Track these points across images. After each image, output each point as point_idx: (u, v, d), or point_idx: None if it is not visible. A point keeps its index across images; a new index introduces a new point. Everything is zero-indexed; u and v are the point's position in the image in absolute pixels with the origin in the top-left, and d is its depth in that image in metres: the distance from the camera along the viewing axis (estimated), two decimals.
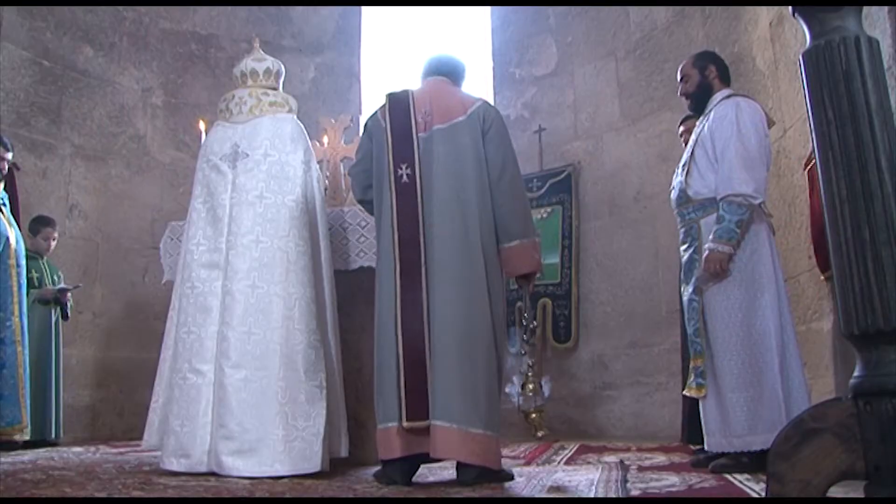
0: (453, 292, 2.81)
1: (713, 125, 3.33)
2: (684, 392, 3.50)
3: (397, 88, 3.15)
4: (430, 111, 3.01)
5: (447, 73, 3.20)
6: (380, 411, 2.86)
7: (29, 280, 5.19)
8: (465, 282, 2.82)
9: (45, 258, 5.56)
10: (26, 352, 4.75)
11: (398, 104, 3.06)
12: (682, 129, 4.34)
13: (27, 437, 4.83)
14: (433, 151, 2.96)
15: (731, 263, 3.19)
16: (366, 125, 3.20)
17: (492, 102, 7.29)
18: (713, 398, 3.21)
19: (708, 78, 3.48)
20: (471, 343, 2.78)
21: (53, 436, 5.16)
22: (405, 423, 2.73)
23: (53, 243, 5.64)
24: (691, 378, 3.34)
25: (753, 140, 3.20)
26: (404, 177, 2.93)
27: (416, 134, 2.98)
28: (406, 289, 2.83)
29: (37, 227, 5.54)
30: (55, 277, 5.56)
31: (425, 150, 2.96)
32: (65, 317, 5.60)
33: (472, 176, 2.93)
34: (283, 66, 3.60)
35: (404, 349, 2.78)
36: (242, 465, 2.89)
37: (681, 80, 3.59)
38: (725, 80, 3.51)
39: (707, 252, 3.19)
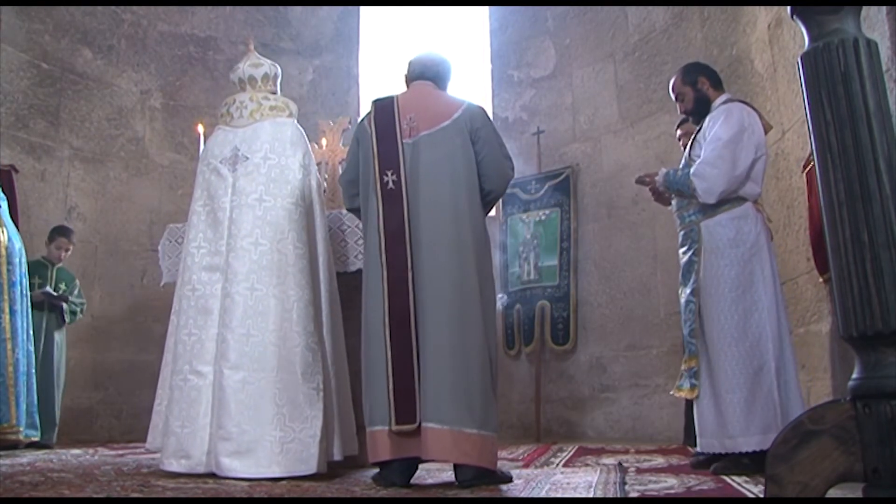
0: (442, 296, 2.81)
1: (707, 129, 3.39)
2: (672, 392, 3.51)
3: (384, 94, 3.16)
4: (415, 117, 3.02)
5: (432, 77, 3.19)
6: (367, 414, 2.88)
7: (31, 286, 5.24)
8: (453, 285, 2.83)
9: (54, 266, 5.63)
10: (19, 350, 4.73)
11: (383, 111, 3.08)
12: (679, 132, 4.36)
13: (35, 438, 4.83)
14: (419, 158, 2.96)
15: (730, 268, 3.22)
16: (355, 133, 3.22)
17: (490, 105, 7.33)
18: (709, 399, 3.23)
19: (702, 90, 3.52)
20: (462, 345, 2.78)
21: (40, 438, 5.13)
22: (394, 427, 2.74)
23: (66, 254, 5.73)
24: (683, 379, 3.36)
25: (734, 146, 3.24)
26: (390, 183, 2.94)
27: (401, 140, 2.99)
28: (394, 293, 2.84)
29: (53, 235, 5.69)
30: (60, 285, 5.59)
31: (411, 157, 2.97)
32: (60, 322, 5.62)
33: (460, 180, 2.95)
34: (279, 69, 3.59)
35: (393, 353, 2.79)
36: (239, 466, 2.90)
37: (676, 99, 3.62)
38: (719, 87, 3.55)
39: (658, 176, 3.47)
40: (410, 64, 3.25)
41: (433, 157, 2.96)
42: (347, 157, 3.28)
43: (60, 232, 5.73)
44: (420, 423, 2.72)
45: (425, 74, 3.19)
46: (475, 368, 2.78)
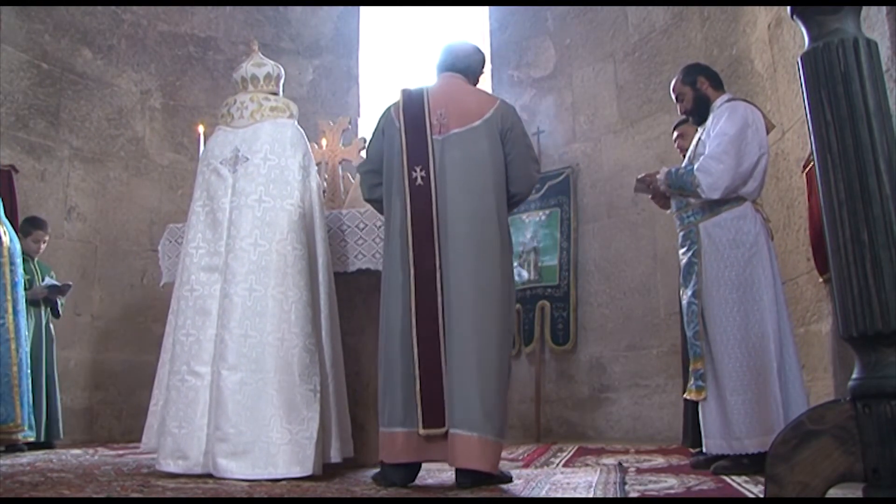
0: (467, 298, 2.77)
1: (711, 128, 3.38)
2: (685, 395, 3.53)
3: (404, 87, 3.10)
4: (445, 113, 2.96)
5: (462, 69, 3.13)
6: (385, 414, 2.83)
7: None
8: (478, 288, 2.79)
9: (35, 260, 5.54)
10: (22, 350, 4.73)
11: (413, 103, 3.01)
12: (675, 134, 4.36)
13: (31, 438, 4.83)
14: (449, 155, 2.91)
15: (730, 269, 3.22)
16: (379, 122, 3.14)
17: None
18: (714, 401, 3.23)
19: (701, 90, 3.52)
20: (487, 349, 2.75)
21: (45, 437, 5.14)
22: (421, 431, 2.71)
23: (44, 246, 5.60)
24: (691, 381, 3.37)
25: (740, 142, 3.23)
26: (419, 179, 2.89)
27: (431, 136, 2.94)
28: (421, 293, 2.80)
29: (28, 228, 5.50)
30: (46, 278, 5.53)
31: (441, 154, 2.92)
32: (56, 315, 5.58)
33: (488, 182, 2.90)
34: (282, 70, 3.59)
35: (420, 355, 2.76)
36: (236, 467, 2.89)
37: (676, 99, 3.63)
38: (719, 87, 3.54)
39: (660, 174, 3.45)
40: (443, 52, 3.18)
41: (462, 156, 2.91)
42: (369, 146, 3.21)
43: (36, 224, 5.56)
44: (448, 429, 2.69)
45: (456, 66, 3.13)
46: (496, 373, 2.75)
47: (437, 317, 2.77)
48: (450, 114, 2.96)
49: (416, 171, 2.90)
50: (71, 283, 5.68)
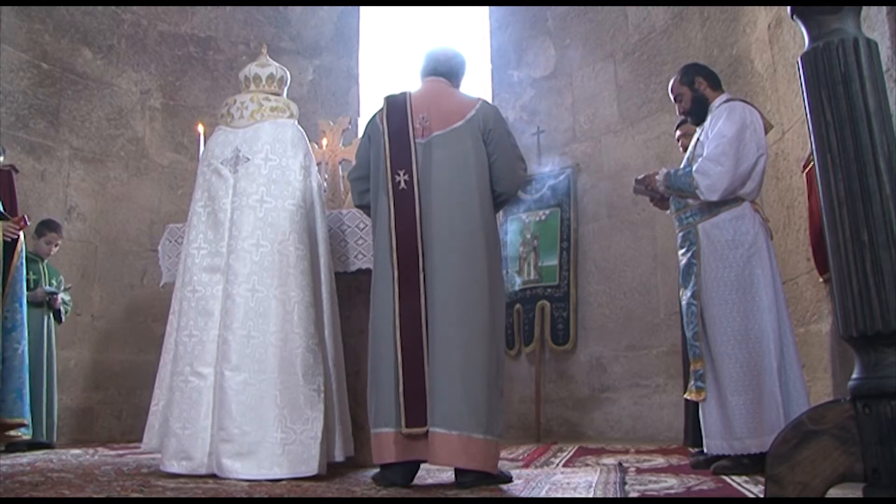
0: (452, 299, 2.79)
1: (709, 129, 3.38)
2: (685, 396, 3.54)
3: (396, 91, 3.13)
4: (428, 116, 2.98)
5: (446, 73, 3.16)
6: (374, 415, 2.86)
7: (26, 282, 5.21)
8: (464, 288, 2.81)
9: (45, 261, 5.57)
10: (22, 344, 4.72)
11: (395, 108, 3.04)
12: (678, 133, 4.36)
13: (28, 436, 4.82)
14: (432, 158, 2.93)
15: (729, 270, 3.22)
16: (366, 129, 3.18)
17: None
18: (714, 401, 3.23)
19: (699, 90, 3.51)
20: (471, 348, 2.76)
21: (46, 438, 5.14)
22: (404, 430, 2.73)
23: (55, 249, 5.65)
24: (691, 381, 3.37)
25: (738, 143, 3.23)
26: (402, 183, 2.91)
27: (414, 140, 2.95)
28: (405, 295, 2.82)
29: (42, 230, 5.57)
30: (53, 281, 5.56)
31: (424, 157, 2.94)
32: (58, 320, 5.59)
33: (472, 183, 2.92)
34: (287, 73, 3.60)
35: (403, 355, 2.77)
36: (241, 468, 2.90)
37: (675, 100, 3.63)
38: (717, 87, 3.54)
39: (658, 175, 3.45)
40: (424, 58, 3.20)
41: (446, 158, 2.92)
42: (357, 153, 3.23)
43: (51, 227, 5.61)
44: (428, 428, 2.71)
45: (438, 70, 3.16)
46: (482, 372, 2.76)
47: (421, 318, 2.79)
48: (432, 116, 2.99)
49: (399, 176, 2.92)
50: (70, 285, 5.68)
